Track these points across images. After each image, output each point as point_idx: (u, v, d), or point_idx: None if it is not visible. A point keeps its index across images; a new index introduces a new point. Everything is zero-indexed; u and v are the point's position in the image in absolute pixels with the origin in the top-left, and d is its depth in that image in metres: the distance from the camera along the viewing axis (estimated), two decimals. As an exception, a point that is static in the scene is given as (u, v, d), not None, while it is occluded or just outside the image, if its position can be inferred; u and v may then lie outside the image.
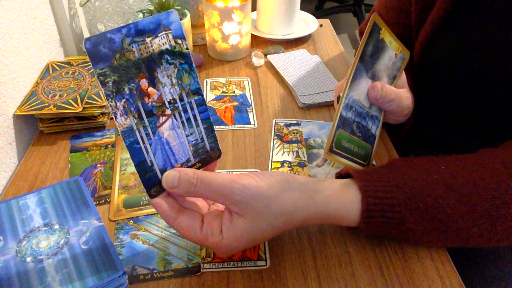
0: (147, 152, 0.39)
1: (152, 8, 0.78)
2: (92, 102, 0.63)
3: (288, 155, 0.61)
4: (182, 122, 0.41)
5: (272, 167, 0.59)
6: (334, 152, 0.47)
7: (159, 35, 0.38)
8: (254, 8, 0.89)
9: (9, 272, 0.41)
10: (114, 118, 0.37)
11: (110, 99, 0.36)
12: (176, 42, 0.39)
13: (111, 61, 0.35)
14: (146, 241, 0.48)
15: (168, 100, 0.40)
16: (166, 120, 0.40)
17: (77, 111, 0.61)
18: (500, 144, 0.48)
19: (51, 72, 0.71)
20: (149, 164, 0.39)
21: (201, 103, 0.42)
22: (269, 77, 0.79)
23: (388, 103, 0.51)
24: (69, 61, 0.74)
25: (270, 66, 0.82)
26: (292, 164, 0.59)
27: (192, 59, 0.41)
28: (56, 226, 0.46)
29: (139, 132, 0.38)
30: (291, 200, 0.41)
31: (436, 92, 0.59)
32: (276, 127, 0.66)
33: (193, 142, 0.42)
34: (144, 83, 0.38)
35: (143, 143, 0.39)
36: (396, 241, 0.48)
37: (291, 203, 0.41)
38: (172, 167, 0.41)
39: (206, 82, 0.78)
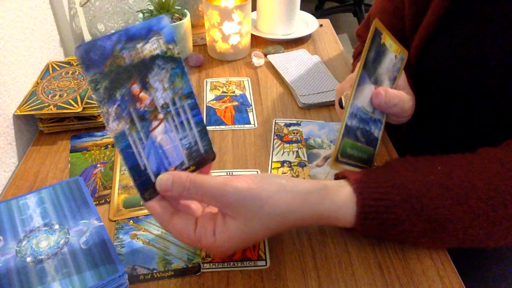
0: (140, 156, 0.39)
1: (152, 8, 0.78)
2: (92, 102, 0.63)
3: (288, 155, 0.61)
4: (175, 126, 0.41)
5: (272, 167, 0.59)
6: (340, 162, 0.48)
7: (150, 40, 0.38)
8: (254, 8, 0.88)
9: (9, 272, 0.41)
10: (106, 123, 0.37)
11: (102, 105, 0.36)
12: (167, 47, 0.39)
13: (102, 67, 0.36)
14: (146, 241, 0.48)
15: (161, 104, 0.40)
16: (159, 124, 0.40)
17: (77, 111, 0.62)
18: (499, 144, 0.48)
19: (51, 72, 0.71)
20: (143, 168, 0.39)
21: (194, 106, 0.42)
22: (269, 77, 0.79)
23: (392, 107, 0.51)
24: (69, 61, 0.74)
25: (270, 66, 0.82)
26: (292, 164, 0.59)
27: (184, 63, 0.41)
28: (56, 226, 0.46)
29: (132, 136, 0.38)
30: (284, 202, 0.41)
31: (433, 93, 0.59)
32: (276, 127, 0.66)
33: (187, 146, 0.42)
34: (135, 88, 0.38)
35: (136, 147, 0.39)
36: (396, 242, 0.48)
37: (284, 205, 0.40)
38: (166, 170, 0.41)
39: (206, 82, 0.78)
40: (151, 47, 0.38)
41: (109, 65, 0.36)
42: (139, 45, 0.37)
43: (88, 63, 0.35)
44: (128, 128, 0.38)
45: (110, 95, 0.36)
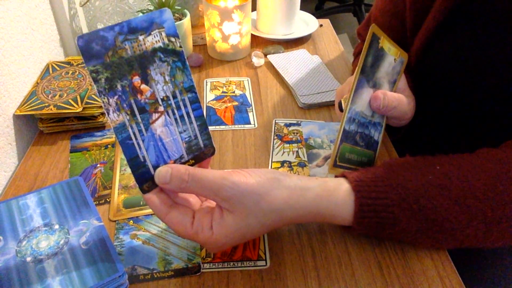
0: (140, 148, 0.39)
1: (152, 8, 0.78)
2: (92, 102, 0.63)
3: (288, 155, 0.61)
4: (175, 119, 0.41)
5: (272, 167, 0.59)
6: (338, 166, 0.48)
7: (152, 33, 0.38)
8: (254, 8, 0.88)
9: (9, 272, 0.41)
10: (106, 114, 0.37)
11: (102, 96, 0.37)
12: (169, 40, 0.39)
13: (104, 58, 0.36)
14: (146, 241, 0.48)
15: (161, 97, 0.40)
16: (159, 117, 0.40)
17: (77, 111, 0.62)
18: (499, 145, 0.48)
19: (51, 72, 0.71)
20: (142, 160, 0.40)
21: (195, 100, 0.42)
22: (269, 77, 0.79)
23: (392, 110, 0.51)
24: (69, 61, 0.74)
25: (270, 66, 0.82)
26: (292, 164, 0.59)
27: (185, 57, 0.41)
28: (56, 226, 0.46)
29: (132, 128, 0.39)
30: (281, 198, 0.41)
31: (434, 94, 0.59)
32: (276, 127, 0.66)
33: (187, 139, 0.42)
34: (136, 80, 0.38)
35: (136, 139, 0.39)
36: (394, 241, 0.48)
37: (281, 201, 0.41)
38: (165, 163, 0.41)
39: (206, 82, 0.78)
40: (153, 39, 0.38)
41: (111, 56, 0.36)
42: (141, 37, 0.38)
43: (89, 53, 0.35)
44: (128, 119, 0.38)
45: (111, 86, 0.37)
